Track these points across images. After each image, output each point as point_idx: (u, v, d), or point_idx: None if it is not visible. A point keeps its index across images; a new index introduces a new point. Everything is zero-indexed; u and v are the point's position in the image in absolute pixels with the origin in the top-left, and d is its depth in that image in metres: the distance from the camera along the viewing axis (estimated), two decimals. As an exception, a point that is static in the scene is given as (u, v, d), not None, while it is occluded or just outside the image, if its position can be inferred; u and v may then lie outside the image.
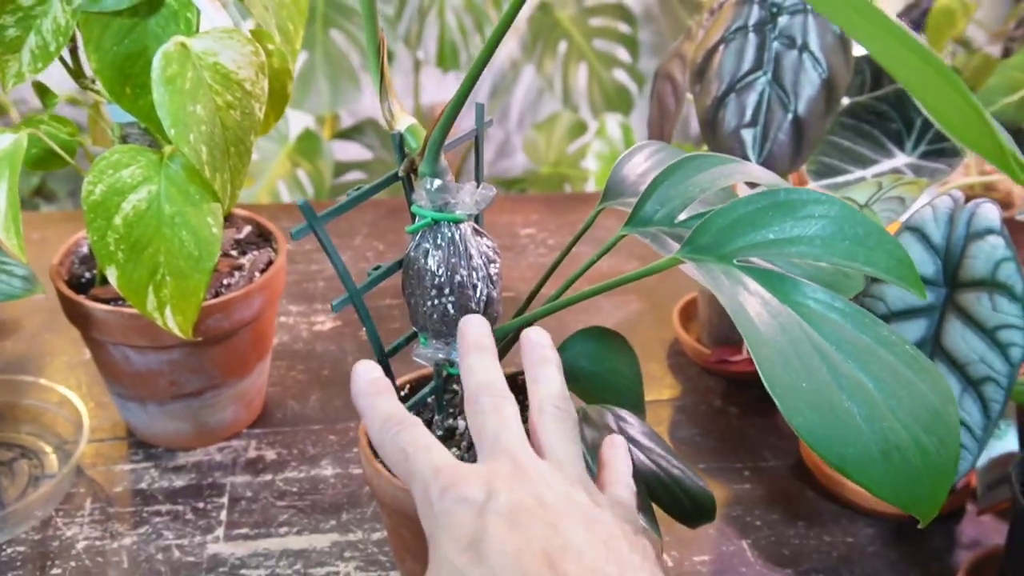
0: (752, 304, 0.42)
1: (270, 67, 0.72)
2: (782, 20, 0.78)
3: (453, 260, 0.53)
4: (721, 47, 0.79)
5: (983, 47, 1.41)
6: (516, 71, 2.06)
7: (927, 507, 0.39)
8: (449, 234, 0.53)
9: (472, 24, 1.87)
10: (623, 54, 1.98)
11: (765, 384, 0.38)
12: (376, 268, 0.56)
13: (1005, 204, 1.15)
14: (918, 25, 1.41)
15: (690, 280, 1.14)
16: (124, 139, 0.72)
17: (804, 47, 0.77)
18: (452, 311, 0.54)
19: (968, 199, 0.67)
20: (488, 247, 0.56)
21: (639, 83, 1.98)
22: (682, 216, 0.53)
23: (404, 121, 0.55)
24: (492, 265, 0.56)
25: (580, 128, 2.02)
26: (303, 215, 0.51)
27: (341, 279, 0.53)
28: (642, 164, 0.60)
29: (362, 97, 1.77)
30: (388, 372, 0.57)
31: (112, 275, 0.65)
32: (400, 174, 0.55)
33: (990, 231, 0.63)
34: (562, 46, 1.96)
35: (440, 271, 0.53)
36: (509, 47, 2.03)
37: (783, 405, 0.39)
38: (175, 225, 0.65)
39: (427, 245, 0.54)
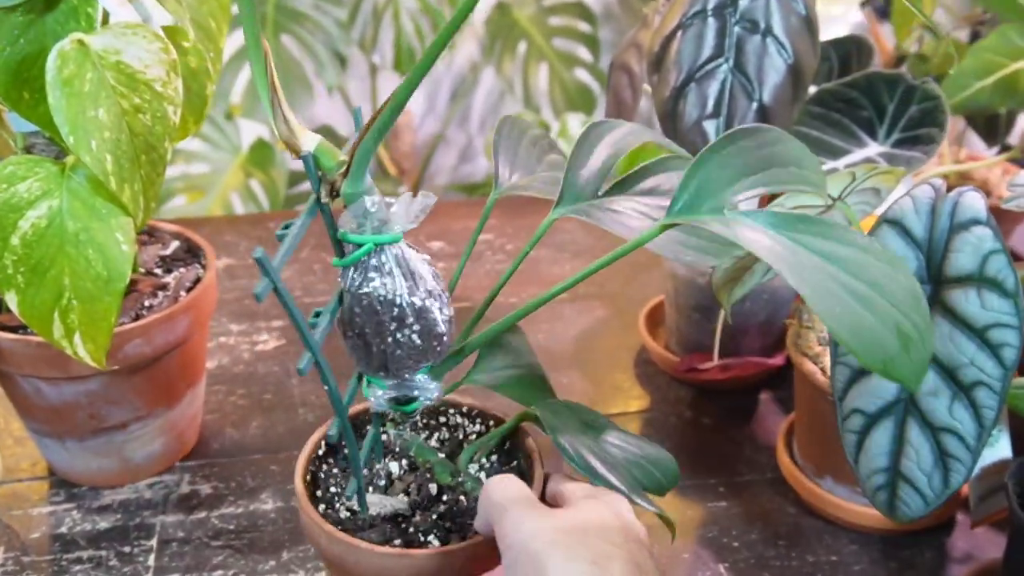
0: (763, 240, 0.41)
1: (186, 67, 0.66)
2: (743, 3, 0.72)
3: (408, 283, 0.47)
4: (679, 33, 0.73)
5: (950, 32, 1.37)
6: (476, 74, 2.01)
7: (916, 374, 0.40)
8: (393, 255, 0.47)
9: (429, 27, 1.81)
10: (584, 53, 1.93)
11: (810, 304, 0.37)
12: (317, 314, 0.49)
13: (981, 193, 1.10)
14: (884, 12, 1.37)
15: (656, 284, 1.08)
16: (28, 150, 0.65)
17: (767, 31, 0.72)
18: (419, 340, 0.48)
19: (948, 188, 0.62)
20: (426, 260, 0.50)
21: (601, 82, 1.93)
22: (606, 187, 0.52)
23: (308, 139, 0.46)
24: (438, 281, 0.50)
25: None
26: (261, 270, 0.43)
27: (303, 338, 0.46)
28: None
29: (316, 104, 1.71)
30: (348, 431, 0.51)
31: (12, 301, 0.59)
32: (323, 200, 0.48)
33: (976, 222, 0.58)
34: (522, 46, 1.91)
35: (398, 299, 0.47)
36: (468, 49, 1.97)
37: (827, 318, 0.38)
38: (80, 243, 0.58)
39: (372, 274, 0.47)
